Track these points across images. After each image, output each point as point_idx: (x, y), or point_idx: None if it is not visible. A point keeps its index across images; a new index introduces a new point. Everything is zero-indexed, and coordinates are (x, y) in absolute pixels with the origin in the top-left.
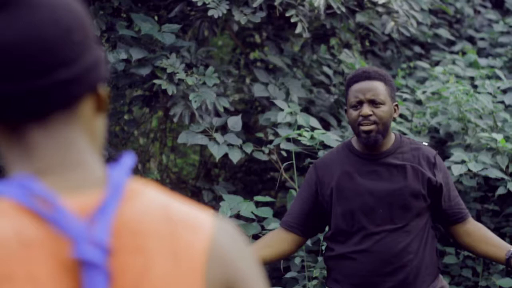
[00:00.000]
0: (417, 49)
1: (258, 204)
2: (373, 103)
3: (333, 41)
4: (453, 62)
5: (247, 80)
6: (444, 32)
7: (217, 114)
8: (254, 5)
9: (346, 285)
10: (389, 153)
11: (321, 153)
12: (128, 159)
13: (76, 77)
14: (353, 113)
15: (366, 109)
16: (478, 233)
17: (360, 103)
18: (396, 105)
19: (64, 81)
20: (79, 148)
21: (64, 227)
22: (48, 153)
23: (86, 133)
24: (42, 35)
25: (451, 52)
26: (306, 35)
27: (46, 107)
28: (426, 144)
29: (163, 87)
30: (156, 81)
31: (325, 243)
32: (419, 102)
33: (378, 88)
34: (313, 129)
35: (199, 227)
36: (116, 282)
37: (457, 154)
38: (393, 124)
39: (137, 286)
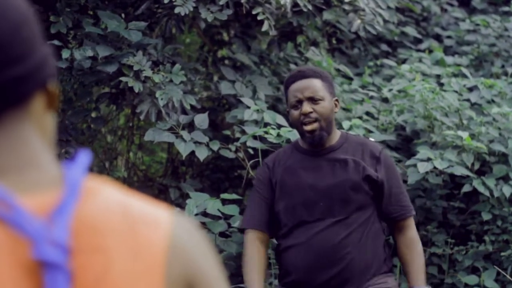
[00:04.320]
0: (384, 47)
1: (224, 202)
2: (312, 100)
3: (300, 39)
4: (420, 60)
5: (215, 78)
6: (411, 30)
7: (184, 112)
8: (221, 2)
9: (293, 278)
10: (333, 149)
11: None
12: (84, 157)
13: (27, 74)
14: (294, 113)
15: (306, 107)
16: (409, 241)
17: (299, 102)
18: (336, 100)
19: (15, 78)
20: (33, 146)
21: (23, 228)
22: (2, 153)
23: (38, 131)
24: None
25: (418, 50)
26: (273, 32)
27: None
28: (373, 140)
29: (129, 85)
30: (123, 79)
31: None
32: (385, 100)
33: (316, 85)
34: (279, 126)
35: (158, 224)
36: (77, 281)
37: (423, 151)
38: (359, 122)
39: (98, 285)
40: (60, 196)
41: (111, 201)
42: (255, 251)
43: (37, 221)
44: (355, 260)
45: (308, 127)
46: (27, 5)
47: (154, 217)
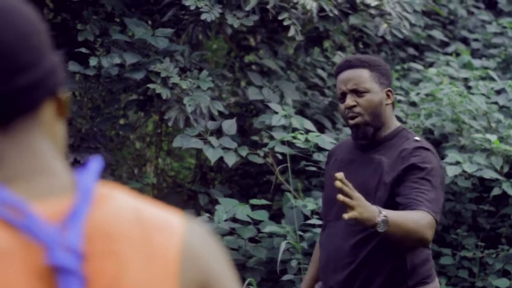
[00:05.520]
0: (411, 50)
1: (253, 207)
2: (356, 92)
3: (326, 44)
4: (447, 64)
5: (242, 83)
6: (437, 34)
7: (212, 118)
8: (247, 8)
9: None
10: (375, 146)
11: (316, 156)
12: (96, 164)
13: (36, 82)
14: (341, 106)
15: (349, 100)
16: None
17: (344, 94)
18: (389, 91)
19: (24, 86)
20: (44, 154)
21: (37, 234)
22: (14, 161)
23: (49, 139)
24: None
25: (445, 54)
26: (299, 38)
27: (8, 113)
28: (418, 139)
29: (157, 91)
30: (151, 86)
31: None
32: (413, 104)
33: (361, 76)
34: (307, 131)
35: (171, 229)
36: (90, 287)
37: (452, 155)
38: None
39: None
40: (73, 202)
41: (124, 207)
42: (318, 244)
43: (50, 227)
44: (360, 271)
45: (352, 122)
46: (36, 14)
47: (167, 223)
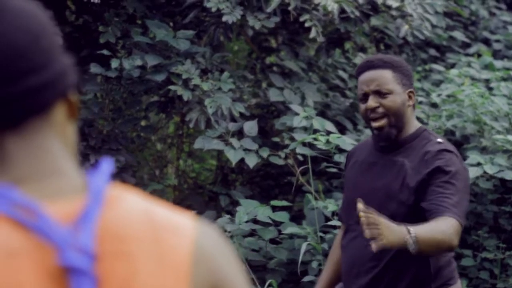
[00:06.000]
0: (432, 52)
1: (274, 209)
2: (379, 93)
3: (347, 45)
4: (469, 65)
5: (263, 85)
6: (459, 35)
7: (233, 119)
8: (268, 10)
9: (343, 280)
10: (397, 147)
11: (337, 157)
12: (107, 165)
13: (47, 83)
14: (362, 106)
15: (371, 102)
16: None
17: (366, 95)
18: (411, 92)
19: (35, 87)
20: (55, 155)
21: (48, 235)
22: (25, 162)
23: (60, 140)
24: (11, 42)
25: (467, 55)
26: (321, 39)
27: (19, 114)
28: (441, 140)
29: (178, 93)
30: (172, 87)
31: None
32: (434, 105)
33: (384, 77)
34: (328, 133)
35: (182, 231)
36: (102, 287)
37: (473, 156)
38: None
39: None
40: (84, 203)
41: (135, 209)
42: (335, 243)
43: (62, 228)
44: (383, 276)
45: (375, 124)
46: (46, 16)
47: (178, 225)
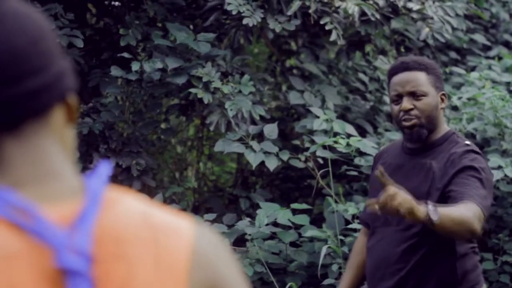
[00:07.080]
0: (453, 54)
1: (295, 212)
2: (414, 95)
3: (368, 48)
4: (489, 68)
5: (283, 88)
6: (479, 37)
7: (253, 122)
8: (289, 13)
9: (367, 282)
10: (426, 150)
11: (357, 160)
12: (105, 168)
13: (45, 86)
14: (394, 108)
15: (406, 103)
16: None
17: (399, 96)
18: (443, 95)
19: (34, 90)
20: (53, 158)
21: (46, 237)
22: (23, 164)
23: (58, 143)
24: (9, 45)
25: (487, 57)
26: (341, 42)
27: (17, 117)
28: (468, 143)
29: (199, 96)
30: (192, 90)
31: None
32: (455, 108)
33: (419, 79)
34: (349, 136)
35: (180, 233)
36: None
37: (494, 159)
38: None
39: None
40: (82, 206)
41: (133, 211)
42: (356, 248)
43: (59, 230)
44: (409, 278)
45: (408, 123)
46: (45, 19)
47: (176, 227)
